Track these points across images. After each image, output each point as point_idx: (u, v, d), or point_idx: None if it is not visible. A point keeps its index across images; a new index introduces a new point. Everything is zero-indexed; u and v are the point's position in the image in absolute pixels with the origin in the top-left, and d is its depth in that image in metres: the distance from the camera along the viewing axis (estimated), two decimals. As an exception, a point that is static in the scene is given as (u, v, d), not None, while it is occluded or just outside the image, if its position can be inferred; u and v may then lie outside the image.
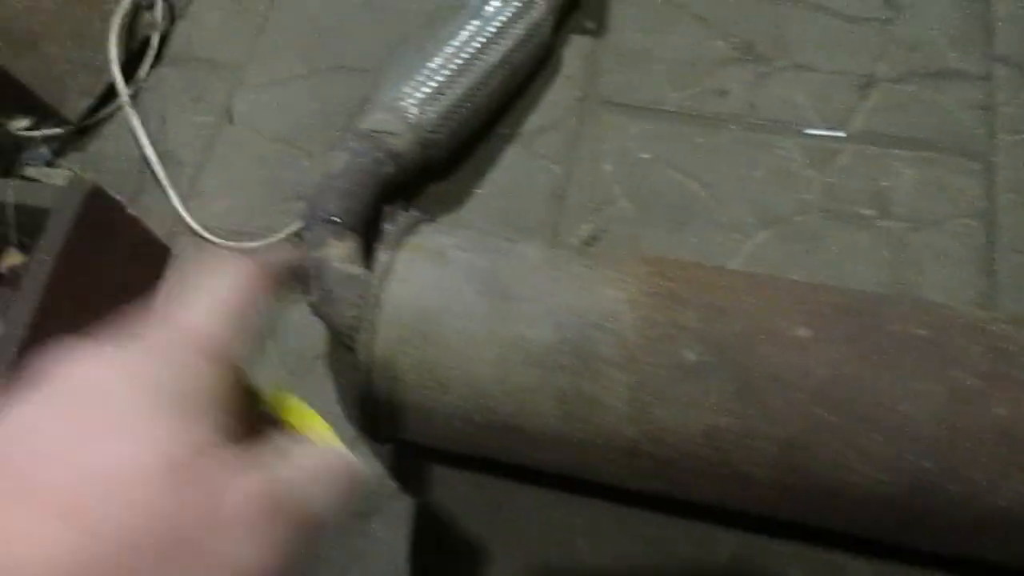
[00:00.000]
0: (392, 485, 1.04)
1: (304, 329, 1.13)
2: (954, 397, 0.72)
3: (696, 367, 0.74)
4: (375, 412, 0.82)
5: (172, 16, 1.43)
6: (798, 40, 1.24)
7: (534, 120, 1.22)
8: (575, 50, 1.26)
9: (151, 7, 1.41)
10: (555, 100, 1.23)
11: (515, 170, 1.19)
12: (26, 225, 1.13)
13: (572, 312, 0.77)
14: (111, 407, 0.34)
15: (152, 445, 0.32)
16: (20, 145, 1.26)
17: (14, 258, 1.23)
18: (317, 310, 0.94)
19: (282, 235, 1.17)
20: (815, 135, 1.17)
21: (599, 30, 1.27)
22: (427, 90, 1.08)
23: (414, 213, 0.89)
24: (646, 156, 1.17)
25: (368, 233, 1.01)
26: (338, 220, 0.98)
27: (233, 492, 0.34)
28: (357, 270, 0.91)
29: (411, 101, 1.07)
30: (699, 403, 0.74)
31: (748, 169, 1.15)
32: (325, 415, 1.03)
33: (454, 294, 0.79)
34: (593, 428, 0.76)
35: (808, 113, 1.19)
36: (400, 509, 1.03)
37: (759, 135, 1.18)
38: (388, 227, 0.85)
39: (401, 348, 0.78)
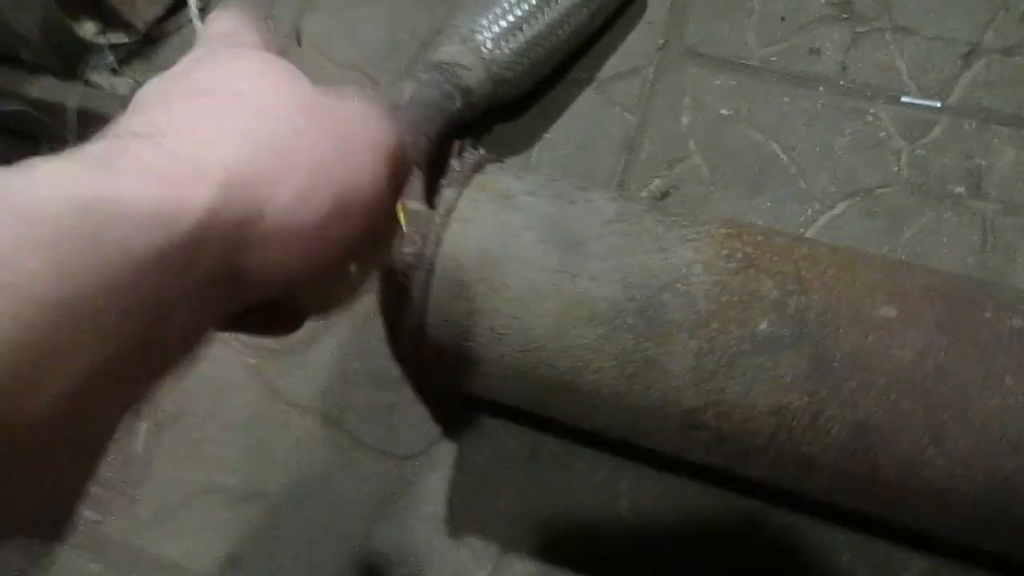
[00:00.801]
0: (436, 429, 1.02)
1: (357, 263, 1.11)
2: (1048, 397, 0.66)
3: (769, 340, 0.69)
4: (425, 356, 0.79)
5: (246, -70, 1.39)
6: (901, 1, 1.16)
7: (611, 65, 1.16)
8: (661, -6, 1.20)
9: (225, -81, 1.37)
10: (635, 46, 1.17)
11: (587, 116, 1.14)
12: (87, 132, 1.12)
13: (642, 270, 0.73)
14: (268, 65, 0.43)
15: (302, 85, 0.41)
16: (86, 49, 1.24)
17: (75, 165, 1.22)
18: (374, 245, 0.91)
19: (342, 165, 1.14)
20: (910, 103, 1.10)
21: (688, -25, 1.20)
22: (504, 24, 1.03)
23: (483, 152, 0.85)
24: (726, 112, 1.11)
25: (432, 169, 0.97)
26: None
27: (362, 130, 0.41)
28: (418, 205, 0.87)
29: (486, 35, 1.02)
30: (769, 378, 0.69)
31: (834, 135, 1.09)
32: (370, 355, 1.01)
33: (519, 240, 0.75)
34: (654, 394, 0.72)
35: (904, 80, 1.11)
36: (441, 453, 1.01)
37: (849, 99, 1.11)
38: (454, 163, 0.81)
39: (459, 291, 0.75)
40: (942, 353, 0.68)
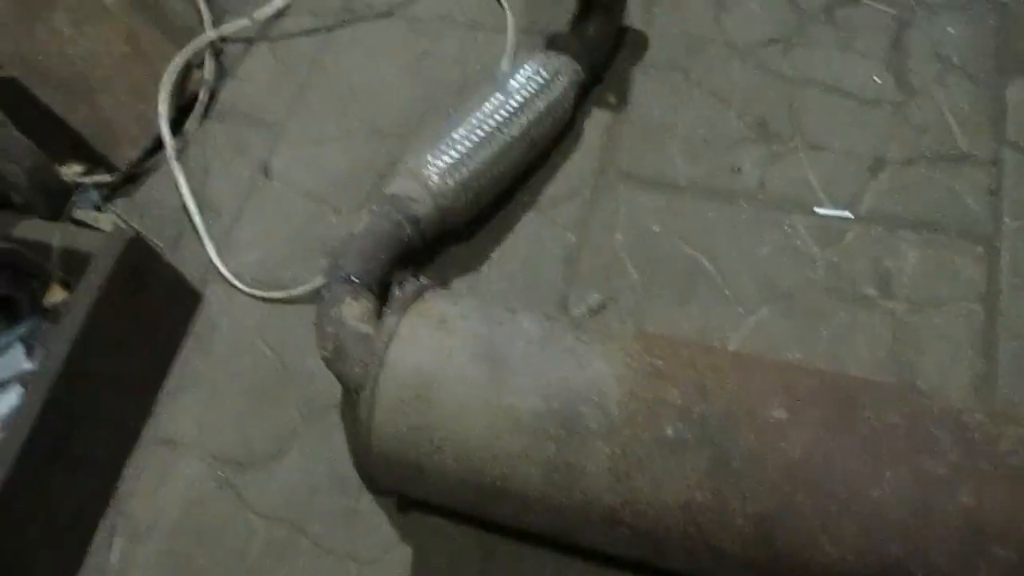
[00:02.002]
0: (395, 533, 1.08)
1: (320, 379, 1.19)
2: (923, 484, 0.74)
3: (676, 442, 0.78)
4: (373, 466, 0.86)
5: (221, 74, 1.52)
6: (812, 121, 1.29)
7: (552, 189, 1.27)
8: (595, 123, 1.32)
9: (201, 65, 1.50)
10: (573, 171, 1.28)
11: (531, 237, 1.24)
12: (71, 266, 1.22)
13: (561, 384, 0.81)
14: None
15: None
16: (70, 190, 1.35)
17: (57, 295, 1.31)
18: (330, 365, 0.99)
19: (306, 288, 1.23)
20: (823, 214, 1.21)
21: (620, 104, 1.33)
22: (448, 159, 1.14)
23: (422, 280, 0.94)
24: (657, 228, 1.22)
25: (384, 293, 1.07)
26: (356, 280, 1.04)
27: None
28: (368, 329, 0.96)
29: (432, 169, 1.13)
30: (677, 477, 0.77)
31: (756, 245, 1.19)
32: (334, 462, 1.08)
33: (452, 360, 0.84)
34: (576, 495, 0.80)
35: (818, 192, 1.22)
36: (400, 556, 1.07)
37: (769, 212, 1.22)
38: (396, 292, 0.90)
39: (400, 408, 0.83)
40: (828, 450, 0.76)
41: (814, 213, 1.21)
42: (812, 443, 0.76)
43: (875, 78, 1.32)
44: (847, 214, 1.20)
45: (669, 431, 0.78)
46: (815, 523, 0.75)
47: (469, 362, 0.83)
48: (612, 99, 1.33)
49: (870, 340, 1.11)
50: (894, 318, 1.13)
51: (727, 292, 1.16)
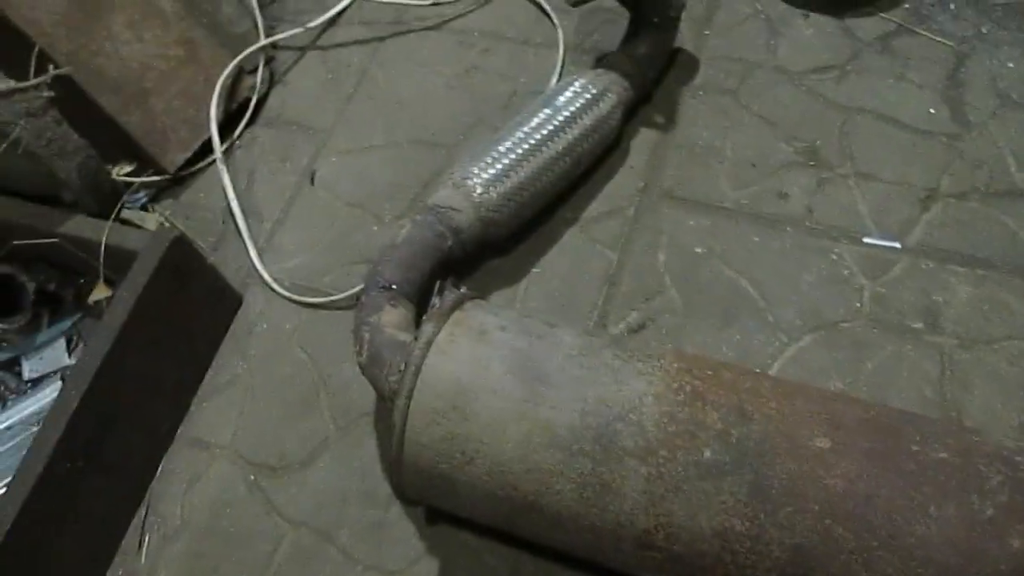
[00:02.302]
0: (422, 545, 1.07)
1: (356, 387, 1.19)
2: (970, 524, 0.72)
3: (713, 466, 0.76)
4: (404, 475, 0.86)
5: (271, 81, 1.54)
6: (863, 149, 1.27)
7: (595, 206, 1.26)
8: (642, 142, 1.31)
9: (253, 71, 1.52)
10: (617, 189, 1.27)
11: (572, 253, 1.23)
12: (116, 264, 1.23)
13: (599, 401, 0.80)
14: None
15: None
16: (120, 190, 1.37)
17: (102, 292, 1.33)
18: (365, 371, 0.99)
19: (345, 295, 1.23)
20: (871, 244, 1.18)
21: (667, 125, 1.32)
22: (493, 171, 1.14)
23: (463, 290, 0.94)
24: (700, 250, 1.20)
25: (423, 302, 1.06)
26: (395, 287, 1.03)
27: None
28: (406, 336, 0.96)
29: (477, 180, 1.13)
30: (713, 502, 0.75)
31: (800, 272, 1.17)
32: (365, 472, 1.07)
33: (489, 372, 0.83)
34: (609, 515, 0.78)
35: (866, 222, 1.20)
36: (425, 570, 1.06)
37: (815, 239, 1.20)
38: (435, 300, 0.90)
39: (433, 418, 0.82)
40: (872, 482, 0.74)
41: (862, 243, 1.18)
42: (855, 474, 0.74)
43: (931, 110, 1.30)
44: (896, 244, 1.18)
45: (707, 454, 0.76)
46: (855, 558, 0.73)
47: (506, 374, 0.82)
48: (660, 119, 1.32)
49: (916, 375, 1.09)
50: (942, 354, 1.10)
51: (769, 318, 1.14)
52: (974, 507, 0.72)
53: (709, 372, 0.82)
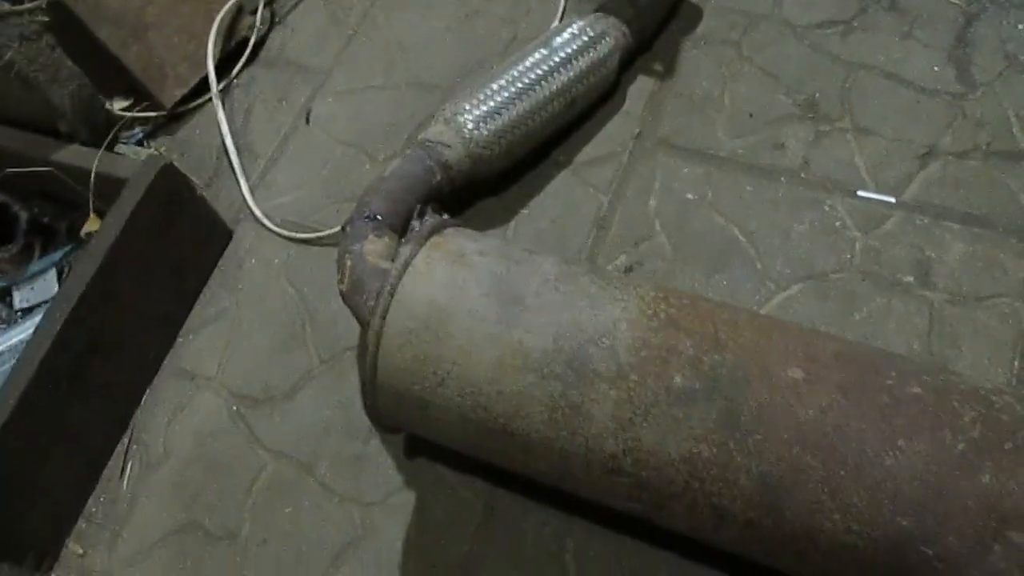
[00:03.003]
0: (399, 479, 1.07)
1: (341, 321, 1.19)
2: (940, 459, 0.71)
3: (684, 392, 0.75)
4: (378, 397, 0.85)
5: (272, 21, 1.53)
6: (864, 104, 1.25)
7: (589, 150, 1.25)
8: (640, 89, 1.30)
9: (254, 11, 1.51)
10: (612, 134, 1.26)
11: (563, 196, 1.22)
12: (109, 196, 1.23)
13: (573, 325, 0.79)
14: None
15: None
16: (114, 121, 1.36)
17: (94, 224, 1.33)
18: (347, 299, 0.98)
19: (334, 231, 1.23)
20: (866, 198, 1.17)
21: (666, 73, 1.30)
22: (485, 108, 1.13)
23: (444, 216, 0.93)
24: (692, 197, 1.19)
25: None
26: (380, 218, 1.03)
27: None
28: (388, 265, 0.95)
29: (468, 117, 1.12)
30: (682, 428, 0.75)
31: (792, 222, 1.16)
32: (347, 406, 1.08)
33: (465, 294, 0.82)
34: (578, 439, 0.78)
35: (862, 175, 1.18)
36: (402, 502, 1.06)
37: (809, 191, 1.18)
38: (415, 224, 0.89)
39: (408, 338, 0.82)
40: (843, 414, 0.73)
41: (857, 196, 1.17)
42: (827, 405, 0.73)
43: (935, 68, 1.27)
44: (891, 199, 1.16)
45: (678, 380, 0.75)
46: (822, 488, 0.72)
47: (482, 296, 0.81)
48: (659, 67, 1.30)
49: (904, 328, 1.07)
50: (932, 309, 1.08)
51: (759, 266, 1.13)
52: (945, 442, 0.71)
53: (686, 301, 0.82)
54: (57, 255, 1.37)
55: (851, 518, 0.72)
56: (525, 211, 1.21)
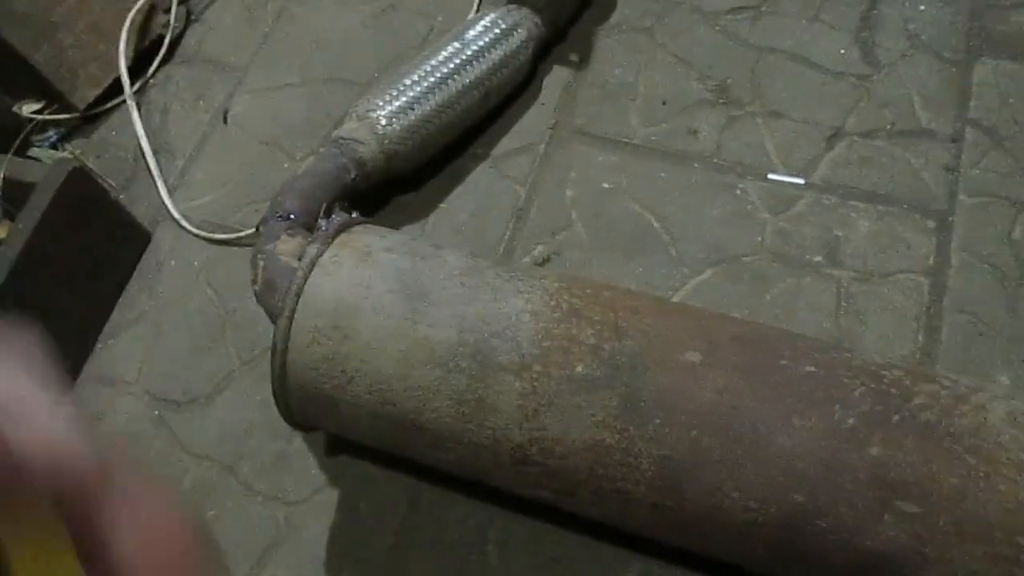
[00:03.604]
0: (322, 477, 1.08)
1: (261, 321, 1.18)
2: (831, 434, 0.73)
3: (585, 380, 0.77)
4: (288, 397, 0.85)
5: (187, 18, 1.51)
6: (774, 88, 1.27)
7: (506, 143, 1.26)
8: (555, 80, 1.31)
9: (168, 9, 1.49)
10: (528, 126, 1.27)
11: (481, 188, 1.23)
12: (18, 200, 1.21)
13: (478, 318, 0.80)
14: None
15: None
16: (22, 124, 1.34)
17: (4, 231, 1.30)
18: (260, 299, 0.98)
19: (252, 231, 1.22)
20: (776, 180, 1.19)
21: (581, 63, 1.31)
22: (398, 104, 1.13)
23: (352, 214, 0.93)
24: (607, 186, 1.21)
25: (322, 233, 1.06)
26: (292, 217, 1.03)
27: None
28: (291, 261, 0.95)
29: (381, 113, 1.12)
30: (584, 416, 0.76)
31: (706, 207, 1.18)
32: (269, 406, 1.07)
33: (371, 291, 0.83)
34: (485, 431, 0.79)
35: (772, 159, 1.21)
36: (326, 500, 1.06)
37: (722, 176, 1.20)
38: (321, 222, 0.89)
39: (315, 337, 0.82)
40: (738, 394, 0.75)
41: (767, 179, 1.19)
42: (723, 386, 0.75)
43: (841, 50, 1.30)
44: (800, 180, 1.19)
45: (579, 368, 0.77)
46: (720, 468, 0.74)
47: (388, 293, 0.82)
48: (574, 57, 1.32)
49: (813, 307, 1.10)
50: (839, 286, 1.12)
51: (673, 252, 1.15)
52: (835, 417, 0.74)
53: (588, 291, 0.83)
54: (-30, 263, 1.34)
55: (749, 496, 0.74)
56: (443, 205, 1.22)
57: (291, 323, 0.83)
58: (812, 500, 0.73)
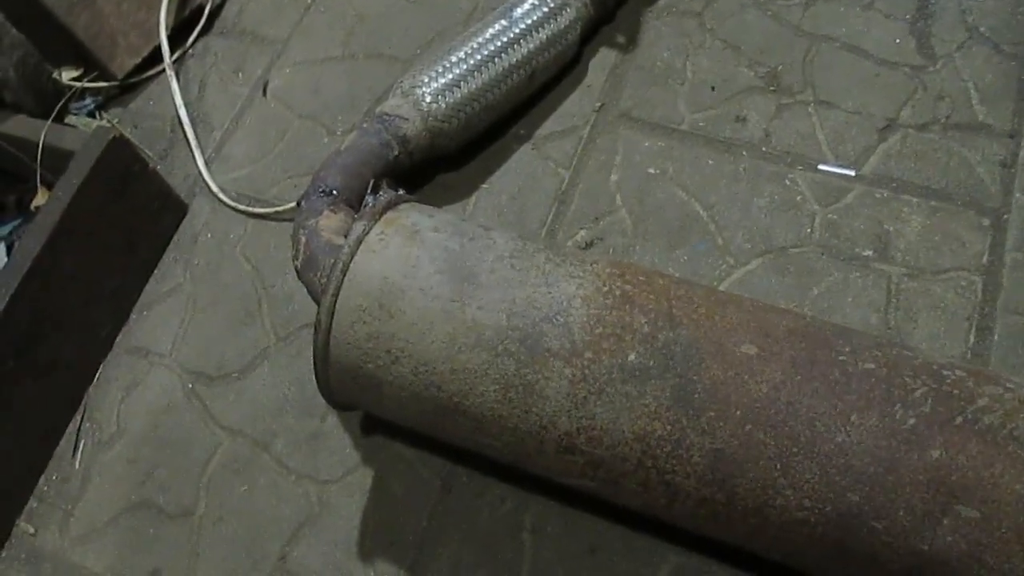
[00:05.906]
0: (356, 456, 1.06)
1: (298, 297, 1.17)
2: (891, 433, 0.71)
3: (637, 370, 0.75)
4: (330, 376, 0.84)
5: (228, -11, 1.49)
6: (826, 77, 1.24)
7: (549, 124, 1.24)
8: (601, 62, 1.28)
9: (209, -21, 1.47)
10: (573, 108, 1.25)
11: (524, 170, 1.21)
12: (56, 167, 1.19)
13: (527, 302, 0.78)
14: None
15: None
16: (63, 91, 1.33)
17: (43, 198, 1.29)
18: (301, 275, 0.97)
19: (291, 206, 1.21)
20: (826, 171, 1.16)
21: (629, 46, 1.28)
22: (443, 81, 1.11)
23: (399, 191, 0.91)
24: (653, 171, 1.18)
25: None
26: (335, 193, 1.01)
27: None
28: (341, 240, 0.93)
29: (426, 90, 1.10)
30: (635, 405, 0.74)
31: (753, 196, 1.15)
32: (303, 383, 1.07)
33: (418, 271, 0.81)
34: (532, 417, 0.77)
35: (823, 149, 1.18)
36: (359, 480, 1.05)
37: (770, 165, 1.18)
38: (368, 199, 0.87)
39: (360, 316, 0.81)
40: (795, 390, 0.73)
41: (817, 169, 1.17)
42: (779, 381, 0.73)
43: (896, 40, 1.27)
44: (850, 172, 1.16)
45: (632, 357, 0.75)
46: (774, 464, 0.72)
47: (435, 274, 0.80)
48: (621, 39, 1.29)
49: (862, 302, 1.08)
50: (890, 282, 1.09)
51: (719, 241, 1.12)
52: (896, 417, 0.72)
53: (641, 278, 0.81)
54: (5, 229, 1.34)
55: (803, 494, 0.72)
56: (485, 186, 1.20)
57: (336, 301, 0.81)
58: (868, 500, 0.71)
